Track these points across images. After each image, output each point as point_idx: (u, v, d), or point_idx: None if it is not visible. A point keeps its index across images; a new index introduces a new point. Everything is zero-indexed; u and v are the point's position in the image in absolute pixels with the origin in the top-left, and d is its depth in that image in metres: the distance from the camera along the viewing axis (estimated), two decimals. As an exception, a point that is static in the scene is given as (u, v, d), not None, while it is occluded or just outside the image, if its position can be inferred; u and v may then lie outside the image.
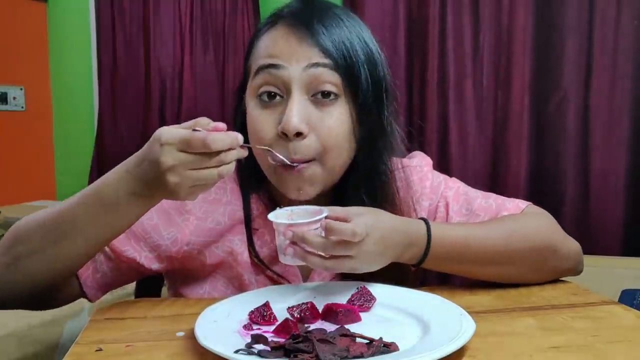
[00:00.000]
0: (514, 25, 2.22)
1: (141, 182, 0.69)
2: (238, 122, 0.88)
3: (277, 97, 0.80)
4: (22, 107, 2.96)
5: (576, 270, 0.91)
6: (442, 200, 0.93)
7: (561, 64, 2.18)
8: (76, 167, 3.05)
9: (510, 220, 0.87)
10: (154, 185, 0.68)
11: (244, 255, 0.87)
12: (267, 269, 0.88)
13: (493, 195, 0.94)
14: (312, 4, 0.84)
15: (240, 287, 0.87)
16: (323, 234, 0.71)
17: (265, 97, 0.80)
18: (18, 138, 2.94)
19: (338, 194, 0.88)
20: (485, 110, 2.29)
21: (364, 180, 0.85)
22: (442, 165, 2.26)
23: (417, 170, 0.95)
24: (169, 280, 0.95)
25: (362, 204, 0.82)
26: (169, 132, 0.66)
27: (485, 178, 2.26)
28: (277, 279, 0.87)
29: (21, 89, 2.95)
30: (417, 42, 2.38)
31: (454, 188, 0.95)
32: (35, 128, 3.05)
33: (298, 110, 0.77)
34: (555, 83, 2.19)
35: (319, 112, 0.79)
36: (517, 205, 0.92)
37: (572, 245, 0.90)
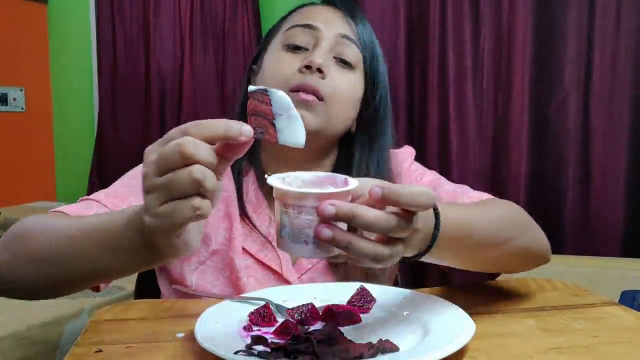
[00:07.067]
0: (514, 25, 2.22)
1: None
2: (242, 101, 0.94)
3: (303, 49, 0.88)
4: (22, 108, 2.96)
5: (543, 256, 0.84)
6: (415, 181, 0.97)
7: (561, 64, 2.17)
8: (76, 168, 3.06)
9: (488, 203, 0.84)
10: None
11: (238, 240, 0.88)
12: (257, 255, 0.89)
13: (464, 186, 0.94)
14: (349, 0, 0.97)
15: (230, 274, 0.88)
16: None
17: (292, 46, 0.88)
18: (18, 139, 2.94)
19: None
20: (485, 110, 2.29)
21: (369, 156, 0.91)
22: (442, 165, 2.26)
23: (399, 155, 1.01)
24: (161, 277, 0.95)
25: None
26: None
27: (485, 178, 2.26)
28: (267, 262, 0.89)
29: (21, 90, 2.95)
30: (418, 42, 2.38)
31: (429, 176, 0.99)
32: (35, 129, 3.05)
33: (324, 54, 0.86)
34: (555, 83, 2.19)
35: (336, 69, 0.87)
36: (480, 194, 0.90)
37: (540, 233, 0.84)
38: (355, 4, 0.98)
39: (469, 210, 0.75)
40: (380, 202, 0.53)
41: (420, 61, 2.37)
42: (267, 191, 0.91)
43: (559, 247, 2.16)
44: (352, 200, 0.55)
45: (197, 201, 0.50)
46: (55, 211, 0.78)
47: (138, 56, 2.89)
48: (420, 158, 1.04)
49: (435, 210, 0.62)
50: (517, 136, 2.22)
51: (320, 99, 0.84)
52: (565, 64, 2.17)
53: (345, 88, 0.87)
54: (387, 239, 0.54)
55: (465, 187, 0.94)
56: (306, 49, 0.87)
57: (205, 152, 0.50)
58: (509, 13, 2.23)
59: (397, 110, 2.38)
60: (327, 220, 0.52)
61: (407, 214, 0.54)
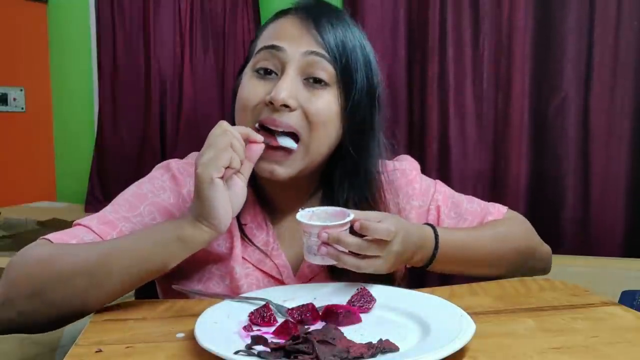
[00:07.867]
0: (514, 25, 2.22)
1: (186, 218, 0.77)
2: (234, 106, 0.92)
3: (273, 74, 0.85)
4: (22, 108, 2.96)
5: (546, 271, 1.02)
6: (434, 203, 0.98)
7: (561, 65, 2.17)
8: (76, 168, 3.05)
9: (498, 226, 0.97)
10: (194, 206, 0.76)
11: (238, 249, 0.89)
12: (259, 264, 0.90)
13: (475, 199, 1.02)
14: (324, 4, 0.90)
15: (231, 283, 0.88)
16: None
17: (261, 72, 0.85)
18: (18, 139, 2.94)
19: (324, 191, 0.93)
20: (485, 111, 2.29)
21: (351, 177, 0.89)
22: (442, 167, 2.25)
23: (406, 173, 0.99)
24: (161, 279, 0.94)
25: (347, 201, 0.88)
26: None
27: (485, 180, 2.26)
28: (267, 271, 0.90)
29: (21, 90, 2.95)
30: (418, 43, 2.38)
31: (442, 192, 1.00)
32: (35, 129, 3.05)
33: (289, 85, 0.81)
34: (555, 84, 2.19)
35: (308, 93, 0.83)
36: (498, 210, 1.01)
37: (545, 248, 1.02)
38: (323, 3, 0.90)
39: (469, 234, 0.93)
40: (360, 231, 0.76)
41: (420, 62, 2.37)
42: (263, 201, 0.93)
43: (559, 247, 2.16)
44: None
45: (230, 151, 0.73)
46: (43, 238, 0.82)
47: (138, 56, 2.89)
48: (420, 159, 1.03)
49: (436, 234, 0.85)
50: (517, 137, 2.22)
51: (296, 137, 0.83)
52: (565, 64, 2.17)
53: (319, 113, 0.83)
54: (364, 256, 0.77)
55: (477, 202, 1.01)
56: (276, 73, 0.84)
57: (236, 130, 0.75)
58: (509, 13, 2.23)
59: (397, 112, 2.38)
60: (324, 242, 0.76)
61: (379, 241, 0.76)
